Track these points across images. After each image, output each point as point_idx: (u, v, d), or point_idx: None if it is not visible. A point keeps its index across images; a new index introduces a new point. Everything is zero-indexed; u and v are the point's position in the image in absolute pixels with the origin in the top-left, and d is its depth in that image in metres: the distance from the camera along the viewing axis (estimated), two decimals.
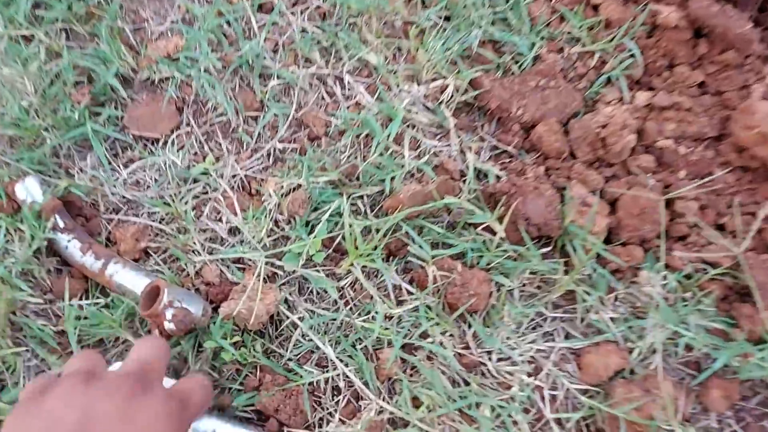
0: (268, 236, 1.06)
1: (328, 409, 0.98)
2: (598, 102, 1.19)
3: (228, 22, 1.24)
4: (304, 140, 1.16)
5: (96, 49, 1.20)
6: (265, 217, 1.07)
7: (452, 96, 1.17)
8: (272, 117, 1.18)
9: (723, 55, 1.18)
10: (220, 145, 1.16)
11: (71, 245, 1.03)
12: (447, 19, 1.27)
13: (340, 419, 0.97)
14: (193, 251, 1.06)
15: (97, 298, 1.02)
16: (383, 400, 0.97)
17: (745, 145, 1.09)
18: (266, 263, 1.03)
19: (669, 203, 1.08)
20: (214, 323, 0.97)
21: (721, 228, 1.08)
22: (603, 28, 1.24)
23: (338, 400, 0.99)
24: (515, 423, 0.96)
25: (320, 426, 0.97)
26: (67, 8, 1.22)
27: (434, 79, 1.20)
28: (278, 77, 1.20)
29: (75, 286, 1.02)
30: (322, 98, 1.21)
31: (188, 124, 1.18)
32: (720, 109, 1.16)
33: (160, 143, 1.16)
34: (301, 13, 1.28)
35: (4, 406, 0.93)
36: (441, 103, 1.18)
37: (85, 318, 1.00)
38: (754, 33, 1.17)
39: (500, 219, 1.04)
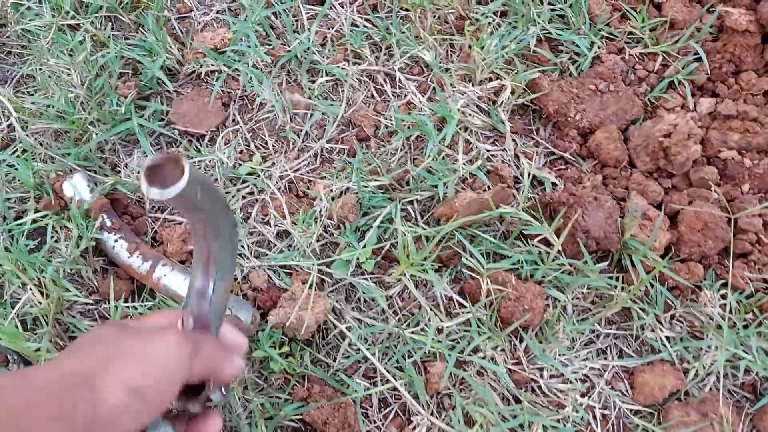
0: (318, 241, 1.04)
1: (375, 422, 0.96)
2: (659, 108, 1.15)
3: (276, 14, 1.20)
4: (353, 141, 1.13)
5: (142, 40, 1.16)
6: (316, 221, 1.04)
7: (508, 98, 1.13)
8: (320, 115, 1.14)
9: None
10: (267, 143, 1.14)
11: (118, 245, 1.01)
12: (503, 15, 1.22)
13: None
14: (240, 255, 1.04)
15: (146, 300, 1.01)
16: (432, 415, 0.96)
17: None
18: (317, 269, 1.01)
19: (733, 217, 1.04)
20: (263, 331, 0.95)
21: None
22: (666, 30, 1.18)
23: (386, 413, 0.97)
24: None
25: None
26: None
27: (489, 80, 1.15)
28: (327, 73, 1.17)
29: (121, 286, 1.01)
30: (372, 96, 1.17)
31: (234, 121, 1.15)
32: None
33: (206, 140, 1.14)
34: (351, 3, 1.24)
35: None
36: (496, 104, 1.14)
37: (140, 314, 0.99)
38: None
39: (557, 231, 1.01)
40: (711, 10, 1.18)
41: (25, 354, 0.94)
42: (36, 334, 0.96)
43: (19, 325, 0.96)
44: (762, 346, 0.98)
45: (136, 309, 0.99)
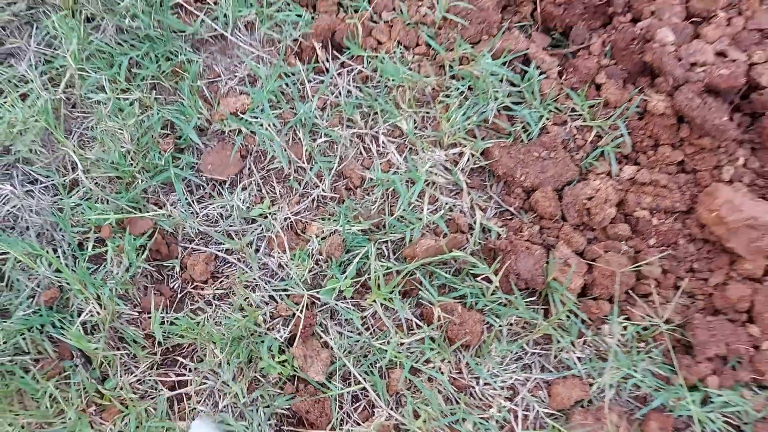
0: (309, 272, 1.34)
1: (348, 413, 1.27)
2: (591, 173, 1.42)
3: (287, 84, 1.50)
4: (343, 190, 1.43)
5: (180, 104, 1.47)
6: (309, 256, 1.34)
7: (468, 161, 1.42)
8: (318, 169, 1.44)
9: (701, 139, 1.39)
10: (275, 189, 1.44)
11: None
12: (470, 89, 1.50)
13: (356, 422, 1.26)
14: (250, 280, 1.35)
15: (178, 311, 1.32)
16: (391, 409, 1.26)
17: (706, 223, 1.32)
18: (308, 294, 1.31)
19: (637, 265, 1.32)
20: (263, 342, 1.26)
21: (677, 289, 1.32)
22: (602, 107, 1.46)
23: (357, 406, 1.27)
24: None
25: (341, 426, 1.26)
26: (157, 67, 1.49)
27: (454, 146, 1.44)
28: (325, 135, 1.46)
29: (158, 302, 1.32)
30: (360, 153, 1.46)
31: (250, 170, 1.45)
32: (692, 186, 1.38)
33: (227, 184, 1.44)
34: (348, 73, 1.53)
35: (108, 393, 1.24)
36: (458, 165, 1.43)
37: (171, 323, 1.30)
38: (730, 124, 1.38)
39: (496, 271, 1.30)
40: (640, 92, 1.45)
41: (86, 351, 1.26)
42: (95, 336, 1.28)
43: (81, 329, 1.28)
44: (649, 368, 1.26)
45: (172, 323, 1.31)
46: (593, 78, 1.47)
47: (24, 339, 1.28)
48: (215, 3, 1.56)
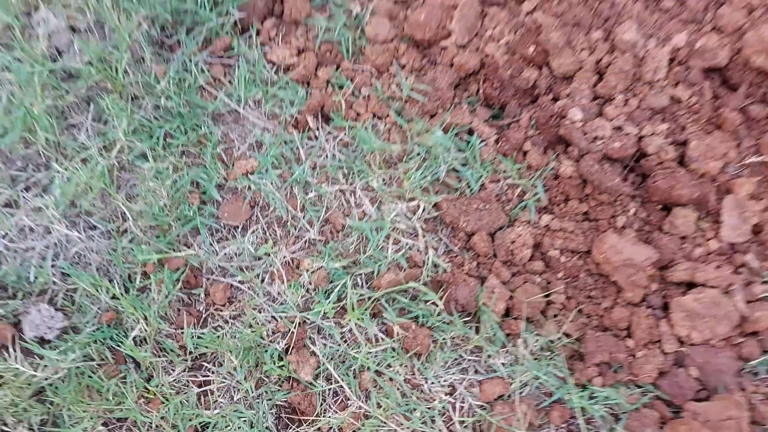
0: (302, 297, 1.79)
1: (330, 405, 1.72)
2: (517, 221, 1.86)
3: (286, 149, 1.94)
4: (328, 233, 1.87)
5: (203, 166, 1.92)
6: (301, 286, 1.79)
7: (423, 211, 1.86)
8: (310, 217, 1.89)
9: (600, 195, 1.82)
10: (276, 233, 1.88)
11: None
12: (427, 153, 1.94)
13: (335, 411, 1.71)
14: (256, 309, 1.80)
15: (205, 327, 1.78)
16: (361, 401, 1.71)
17: (598, 262, 1.76)
18: (300, 315, 1.76)
19: (548, 293, 1.76)
20: (266, 351, 1.71)
21: (580, 311, 1.76)
22: (526, 169, 1.89)
23: (336, 399, 1.72)
24: (433, 421, 1.68)
25: (324, 414, 1.71)
26: (186, 137, 1.94)
27: (413, 199, 1.88)
28: (315, 190, 1.91)
29: (189, 320, 1.78)
30: (342, 205, 1.91)
31: (257, 217, 1.90)
32: (593, 231, 1.82)
33: (240, 229, 1.89)
34: (333, 140, 1.97)
35: (153, 389, 1.70)
36: (416, 214, 1.87)
37: (198, 337, 1.75)
38: (622, 184, 1.81)
39: (441, 298, 1.74)
40: (556, 158, 1.88)
41: (137, 358, 1.72)
42: (143, 347, 1.73)
43: (133, 342, 1.74)
44: (552, 371, 1.70)
45: (199, 337, 1.76)
46: (521, 146, 1.91)
47: (91, 349, 1.74)
48: (230, 83, 2.01)
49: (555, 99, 1.92)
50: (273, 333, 1.78)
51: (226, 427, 1.71)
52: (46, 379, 1.71)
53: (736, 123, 1.81)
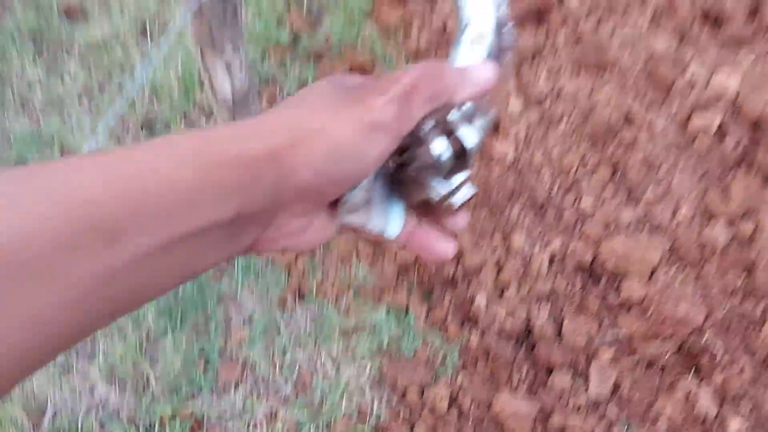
0: None
1: None
2: (439, 378, 2.50)
3: (271, 323, 2.61)
4: (299, 389, 2.51)
5: (208, 339, 2.59)
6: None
7: (369, 371, 2.51)
8: (285, 376, 2.53)
9: (499, 360, 2.47)
10: (260, 388, 2.52)
11: None
12: (374, 325, 2.60)
13: None
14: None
15: None
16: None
17: (497, 412, 2.38)
18: None
19: None
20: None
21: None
22: (446, 340, 2.55)
23: None
24: None
25: None
26: (196, 315, 2.62)
27: (363, 361, 2.53)
28: (291, 354, 2.56)
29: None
30: (310, 366, 2.56)
31: (247, 374, 2.55)
32: (494, 388, 2.45)
33: (235, 387, 2.53)
34: (308, 314, 2.64)
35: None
36: (365, 373, 2.51)
37: None
38: (515, 353, 2.46)
39: None
40: (468, 332, 2.53)
41: None
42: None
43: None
44: None
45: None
46: (444, 321, 2.58)
47: None
48: (231, 267, 2.72)
49: (467, 286, 2.62)
50: None
51: None
52: None
53: (597, 307, 2.48)
